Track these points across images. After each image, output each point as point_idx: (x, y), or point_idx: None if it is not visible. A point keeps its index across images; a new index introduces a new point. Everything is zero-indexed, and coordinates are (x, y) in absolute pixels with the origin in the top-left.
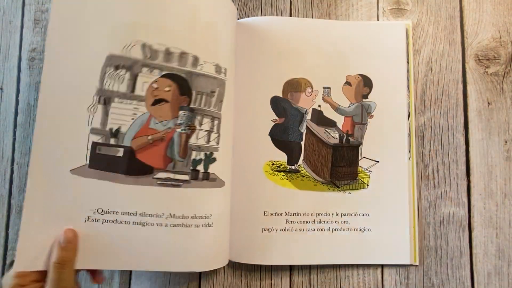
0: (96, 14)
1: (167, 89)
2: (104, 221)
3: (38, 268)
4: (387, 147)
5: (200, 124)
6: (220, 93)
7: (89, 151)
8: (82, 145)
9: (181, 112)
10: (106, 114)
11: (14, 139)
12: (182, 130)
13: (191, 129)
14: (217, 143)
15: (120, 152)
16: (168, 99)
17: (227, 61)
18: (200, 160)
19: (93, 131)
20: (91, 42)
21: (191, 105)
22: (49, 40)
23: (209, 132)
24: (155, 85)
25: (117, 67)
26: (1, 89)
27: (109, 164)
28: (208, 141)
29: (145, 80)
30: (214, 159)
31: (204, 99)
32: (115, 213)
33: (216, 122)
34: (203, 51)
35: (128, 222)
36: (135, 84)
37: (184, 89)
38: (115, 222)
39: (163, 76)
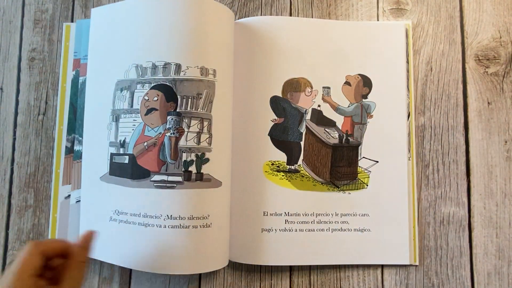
0: (111, 51)
1: (155, 98)
2: (119, 221)
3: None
4: (386, 147)
5: (188, 126)
6: (208, 94)
7: (108, 161)
8: (105, 156)
9: (168, 117)
10: (117, 129)
11: (14, 139)
12: (171, 134)
13: (179, 132)
14: (209, 143)
15: (126, 159)
16: (157, 107)
17: (216, 63)
18: (192, 161)
19: (111, 144)
20: (109, 74)
21: (178, 110)
22: (88, 78)
23: (199, 133)
24: (146, 97)
25: (121, 89)
26: (1, 89)
27: (120, 170)
28: (199, 142)
29: (140, 95)
30: (207, 160)
31: (190, 102)
32: (125, 214)
33: (206, 123)
34: (185, 57)
35: (135, 223)
36: (133, 100)
37: (170, 96)
38: (126, 222)
39: (151, 88)
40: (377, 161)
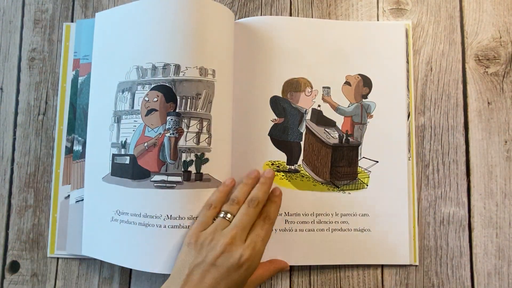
0: (113, 53)
1: (155, 99)
2: (120, 221)
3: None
4: (386, 147)
5: (188, 126)
6: (207, 94)
7: (110, 162)
8: (107, 157)
9: (168, 118)
10: (118, 130)
11: (14, 139)
12: (170, 134)
13: (179, 132)
14: (209, 143)
15: (127, 160)
16: (157, 108)
17: (215, 63)
18: (191, 161)
19: (113, 145)
20: (111, 76)
21: (177, 110)
22: (92, 81)
23: (198, 133)
24: (146, 98)
25: (123, 91)
26: (1, 89)
27: (122, 171)
28: (198, 142)
29: (140, 96)
30: (207, 160)
31: (190, 103)
32: (126, 214)
33: (205, 123)
34: (184, 58)
35: (135, 223)
36: (133, 101)
37: (169, 96)
38: (127, 222)
39: (151, 89)
40: (377, 161)
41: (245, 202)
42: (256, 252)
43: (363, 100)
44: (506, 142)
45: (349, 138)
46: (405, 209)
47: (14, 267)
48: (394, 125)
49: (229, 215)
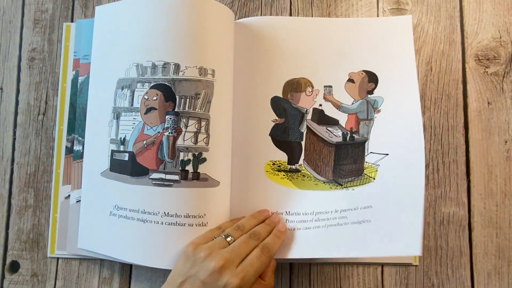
0: (113, 49)
1: (154, 98)
2: (119, 216)
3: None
4: (399, 140)
5: (186, 126)
6: (206, 94)
7: (109, 157)
8: (106, 153)
9: (167, 117)
10: (117, 126)
11: (14, 139)
12: (169, 133)
13: (177, 131)
14: (207, 143)
15: (126, 157)
16: (156, 106)
17: (215, 63)
18: (189, 160)
19: (111, 141)
20: (111, 72)
21: (176, 109)
22: (91, 76)
23: (196, 133)
24: (146, 97)
25: (122, 88)
26: (1, 89)
27: (120, 167)
28: (196, 141)
29: (140, 94)
30: (204, 159)
31: (189, 102)
32: (125, 209)
33: (204, 123)
34: (184, 57)
35: (133, 218)
36: (133, 98)
37: (169, 95)
38: (125, 217)
39: (151, 87)
40: (387, 154)
41: (248, 233)
42: (245, 282)
43: (369, 96)
44: (506, 142)
45: (353, 135)
46: (420, 199)
47: (14, 267)
48: (407, 117)
49: (230, 238)
